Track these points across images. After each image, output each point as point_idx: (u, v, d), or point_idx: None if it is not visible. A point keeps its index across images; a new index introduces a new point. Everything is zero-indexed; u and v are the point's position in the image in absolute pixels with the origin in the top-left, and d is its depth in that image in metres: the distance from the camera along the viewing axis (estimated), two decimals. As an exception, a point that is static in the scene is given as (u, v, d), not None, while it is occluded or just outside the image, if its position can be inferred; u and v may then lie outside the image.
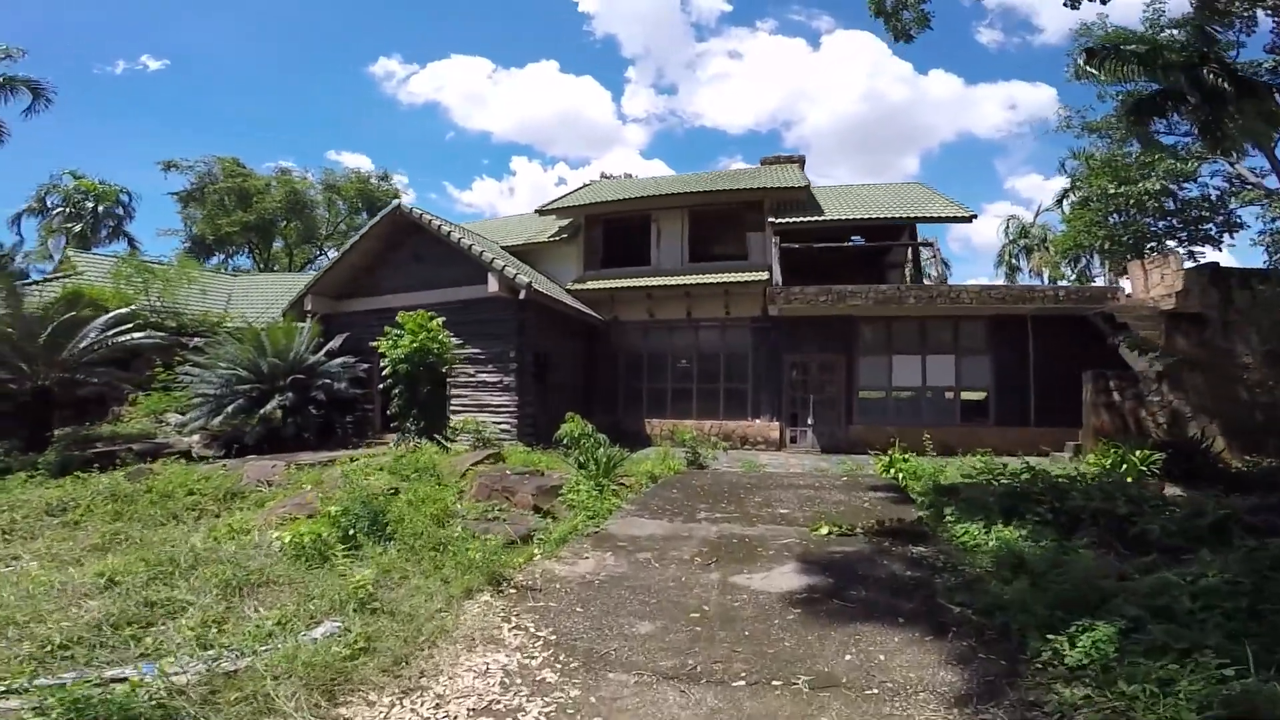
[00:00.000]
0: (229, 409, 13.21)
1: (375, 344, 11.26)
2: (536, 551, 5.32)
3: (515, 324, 13.05)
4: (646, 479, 9.68)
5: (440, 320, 9.79)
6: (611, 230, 17.19)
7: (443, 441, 9.52)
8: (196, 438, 13.31)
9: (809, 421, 15.31)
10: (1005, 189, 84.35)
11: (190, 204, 25.89)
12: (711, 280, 15.42)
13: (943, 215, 17.00)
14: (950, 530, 5.84)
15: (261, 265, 28.53)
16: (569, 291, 16.33)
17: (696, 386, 15.95)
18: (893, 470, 9.59)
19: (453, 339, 10.22)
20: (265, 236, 25.41)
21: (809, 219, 16.13)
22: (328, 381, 13.81)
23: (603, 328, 16.50)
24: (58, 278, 16.24)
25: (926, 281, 17.59)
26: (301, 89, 75.83)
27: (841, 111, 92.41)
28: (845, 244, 17.47)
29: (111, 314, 12.42)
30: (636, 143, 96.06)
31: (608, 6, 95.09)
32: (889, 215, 16.80)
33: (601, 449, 9.89)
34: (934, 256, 16.24)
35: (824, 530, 5.86)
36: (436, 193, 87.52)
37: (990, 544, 5.27)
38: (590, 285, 16.33)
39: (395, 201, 14.27)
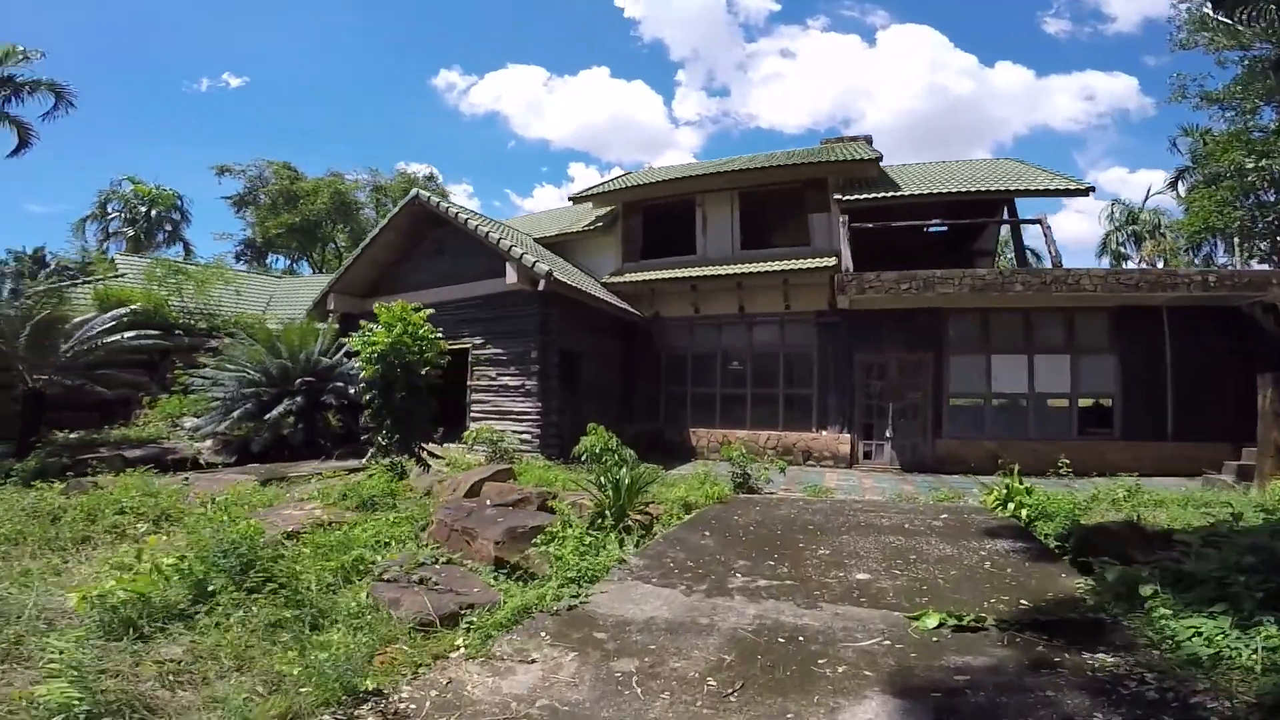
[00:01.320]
0: (235, 414, 12.23)
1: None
2: (460, 643, 3.43)
3: (537, 320, 11.32)
4: (678, 509, 7.66)
5: (426, 312, 8.13)
6: (652, 217, 15.25)
7: (426, 458, 7.84)
8: (209, 443, 12.46)
9: (886, 434, 12.80)
10: (1087, 181, 77.82)
11: (243, 208, 26.01)
12: (768, 269, 13.20)
13: (1051, 188, 14.05)
14: (1156, 623, 3.52)
15: (316, 268, 28.52)
16: (604, 285, 14.51)
17: (751, 392, 13.74)
18: (1011, 504, 7.13)
19: (438, 334, 8.54)
20: (310, 239, 25.20)
21: (884, 195, 13.61)
22: (340, 385, 12.59)
23: (642, 325, 14.57)
24: (91, 280, 15.94)
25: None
26: (371, 103, 78.78)
27: (903, 107, 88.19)
28: (928, 224, 14.84)
29: (108, 314, 11.59)
30: (690, 145, 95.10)
31: (653, 11, 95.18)
32: (983, 189, 13.99)
33: (624, 468, 7.95)
34: (1047, 235, 13.36)
35: (931, 621, 3.66)
36: (500, 200, 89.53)
37: (1257, 659, 2.99)
38: (628, 278, 14.45)
39: (414, 191, 12.88)
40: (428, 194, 12.77)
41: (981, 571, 4.93)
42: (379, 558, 4.59)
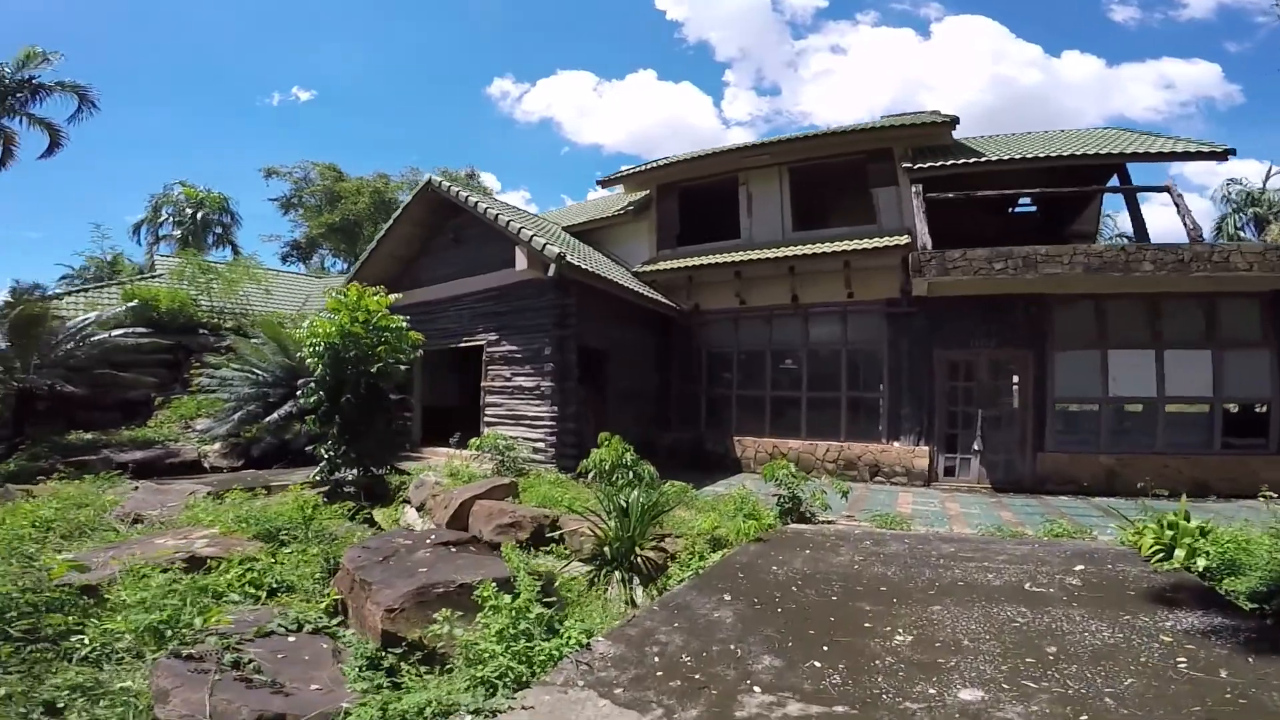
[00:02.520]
0: (237, 416, 11.41)
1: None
2: None
3: (551, 311, 9.82)
4: (704, 544, 5.92)
5: (392, 297, 6.72)
6: (689, 200, 13.51)
7: (387, 475, 6.41)
8: (217, 446, 11.75)
9: (974, 446, 10.55)
10: (1171, 173, 72.13)
11: (290, 210, 26.11)
12: (826, 250, 11.21)
13: (1177, 151, 11.42)
14: None
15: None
16: (637, 275, 12.88)
17: (807, 395, 11.75)
18: (1182, 549, 4.99)
19: (404, 324, 7.09)
20: (351, 238, 24.89)
21: (965, 161, 11.38)
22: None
23: (680, 320, 12.85)
24: (122, 281, 15.72)
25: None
26: (432, 114, 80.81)
27: (966, 100, 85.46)
28: (1023, 193, 12.45)
29: (105, 313, 10.95)
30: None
31: (696, 12, 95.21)
32: (1089, 153, 11.47)
33: (636, 489, 6.30)
34: (1179, 204, 10.76)
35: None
36: (556, 206, 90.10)
37: None
38: (662, 266, 12.76)
39: (427, 176, 11.72)
40: (440, 179, 11.56)
41: (1178, 681, 2.98)
42: (210, 620, 3.11)
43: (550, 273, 9.05)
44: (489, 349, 11.00)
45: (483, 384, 11.05)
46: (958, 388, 10.84)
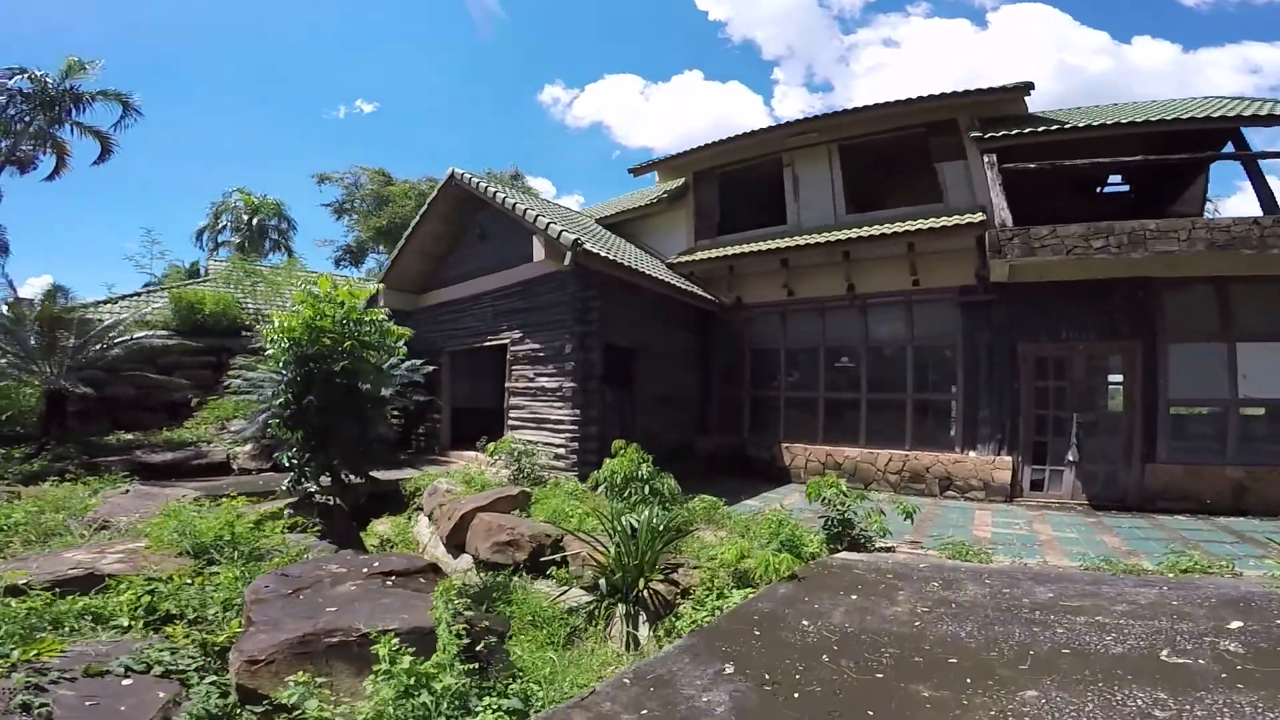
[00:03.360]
0: (261, 418, 11.21)
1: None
2: None
3: (574, 306, 8.99)
4: (725, 579, 4.88)
5: (372, 287, 6.04)
6: (730, 186, 12.39)
7: (355, 479, 5.70)
8: (248, 447, 11.58)
9: (1068, 457, 8.97)
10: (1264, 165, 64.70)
11: (343, 214, 26.63)
12: (886, 231, 9.88)
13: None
14: None
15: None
16: (672, 267, 11.90)
17: (866, 397, 10.42)
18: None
19: (396, 327, 6.37)
20: (394, 241, 25.09)
21: (1047, 129, 9.78)
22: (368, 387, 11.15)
23: (721, 314, 11.76)
24: (172, 286, 16.07)
25: None
26: (488, 122, 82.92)
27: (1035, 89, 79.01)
28: (1119, 160, 10.65)
29: (125, 316, 10.97)
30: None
31: (739, 12, 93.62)
32: (1202, 116, 9.56)
33: (650, 507, 5.35)
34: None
35: None
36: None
37: None
38: (699, 256, 11.71)
39: (449, 170, 11.16)
40: (463, 172, 10.95)
41: None
42: (32, 652, 2.40)
43: (566, 262, 8.21)
44: (512, 348, 10.30)
45: (506, 385, 10.35)
46: (1047, 388, 9.28)
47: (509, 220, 10.06)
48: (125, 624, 3.05)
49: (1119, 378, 9.27)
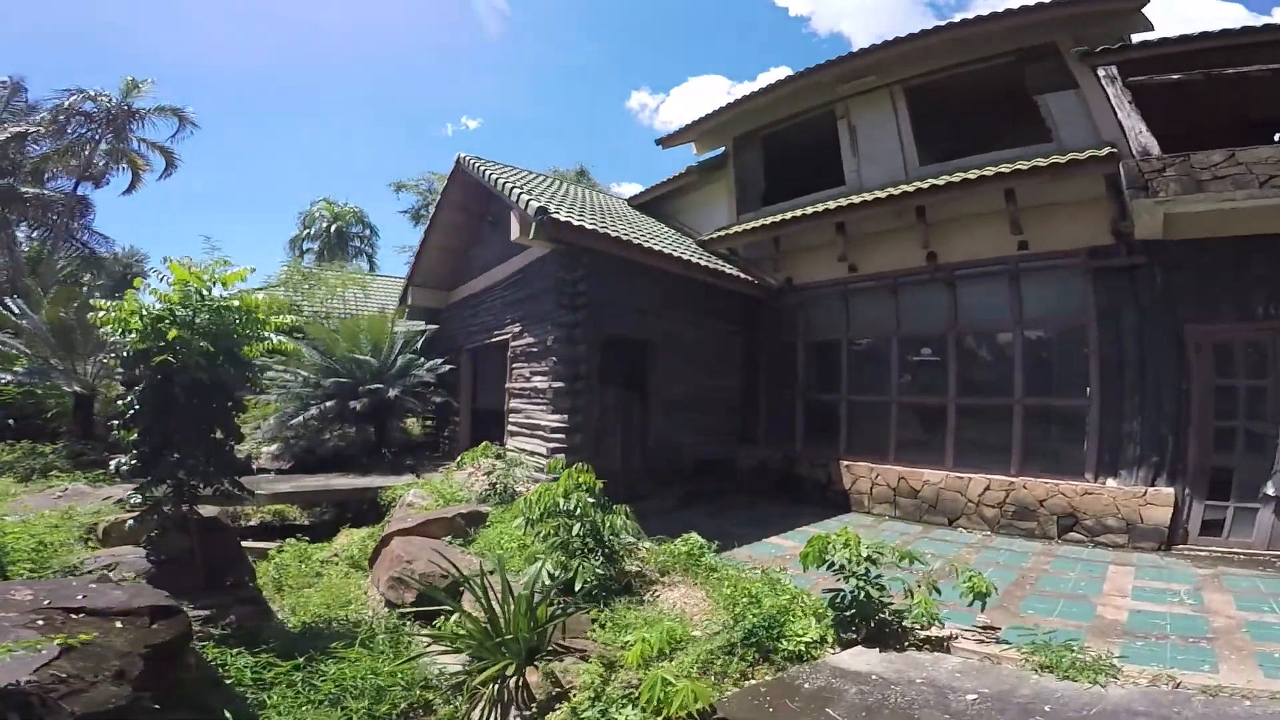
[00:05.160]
0: (278, 419, 10.98)
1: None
2: None
3: (559, 291, 7.47)
4: (618, 692, 3.08)
5: (244, 270, 4.83)
6: (776, 149, 10.21)
7: (210, 488, 4.54)
8: (274, 448, 11.51)
9: (1268, 490, 5.93)
10: None
11: (419, 220, 27.21)
12: (973, 175, 7.32)
13: None
14: None
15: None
16: (705, 245, 9.97)
17: (955, 402, 7.85)
18: None
19: (276, 317, 5.09)
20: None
21: (1189, 34, 6.68)
22: (380, 388, 10.53)
23: (768, 300, 9.64)
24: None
25: None
26: (580, 130, 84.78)
27: None
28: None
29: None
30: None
31: (819, 6, 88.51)
32: None
33: (545, 561, 3.74)
34: None
35: None
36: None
37: None
38: (737, 230, 9.64)
39: (456, 155, 10.17)
40: (468, 156, 9.84)
41: None
42: None
43: (531, 235, 6.72)
44: (513, 344, 8.99)
45: (506, 385, 9.06)
46: (1234, 388, 6.30)
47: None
48: None
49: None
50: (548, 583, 3.78)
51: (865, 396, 8.72)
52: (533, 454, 7.81)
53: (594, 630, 3.89)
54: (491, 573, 4.26)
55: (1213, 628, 4.20)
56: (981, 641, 3.81)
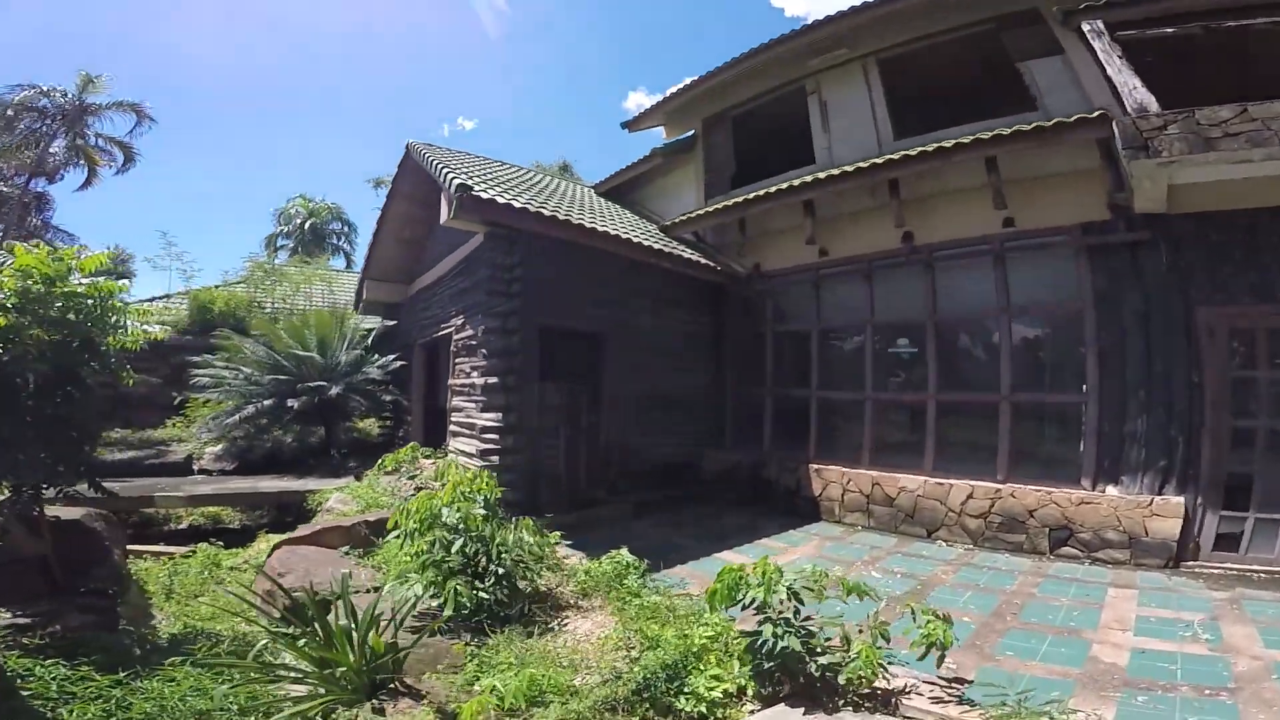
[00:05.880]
0: (218, 419, 10.28)
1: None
2: None
3: (492, 277, 6.70)
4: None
5: (102, 255, 4.11)
6: (745, 129, 9.45)
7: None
8: (219, 448, 10.86)
9: (1300, 499, 5.09)
10: None
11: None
12: (949, 144, 6.50)
13: None
14: None
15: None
16: (669, 230, 9.18)
17: (935, 398, 7.00)
18: None
19: (116, 302, 4.32)
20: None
21: None
22: (322, 385, 9.81)
23: (735, 288, 8.85)
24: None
25: None
26: (575, 131, 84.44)
27: None
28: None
29: None
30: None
31: (815, 6, 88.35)
32: None
33: (418, 580, 3.06)
34: None
35: None
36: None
37: None
38: (701, 212, 8.84)
39: (406, 142, 9.44)
40: (416, 143, 9.08)
41: None
42: None
43: (452, 214, 5.96)
44: (455, 336, 8.24)
45: (449, 382, 8.30)
46: (1255, 381, 5.47)
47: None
48: None
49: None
50: (417, 606, 3.03)
51: (837, 393, 7.89)
52: (470, 456, 7.03)
53: (446, 672, 3.11)
54: (374, 589, 3.52)
55: (1235, 673, 3.38)
56: (939, 701, 2.99)
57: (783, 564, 5.50)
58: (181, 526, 9.25)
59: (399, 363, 10.51)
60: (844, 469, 7.33)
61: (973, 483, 6.42)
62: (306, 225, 25.99)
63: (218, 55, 72.92)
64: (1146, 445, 5.67)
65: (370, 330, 11.20)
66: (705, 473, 8.60)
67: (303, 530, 5.25)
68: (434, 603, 3.78)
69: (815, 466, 7.57)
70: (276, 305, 14.51)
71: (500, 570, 3.93)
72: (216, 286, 13.93)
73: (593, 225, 6.92)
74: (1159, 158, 5.23)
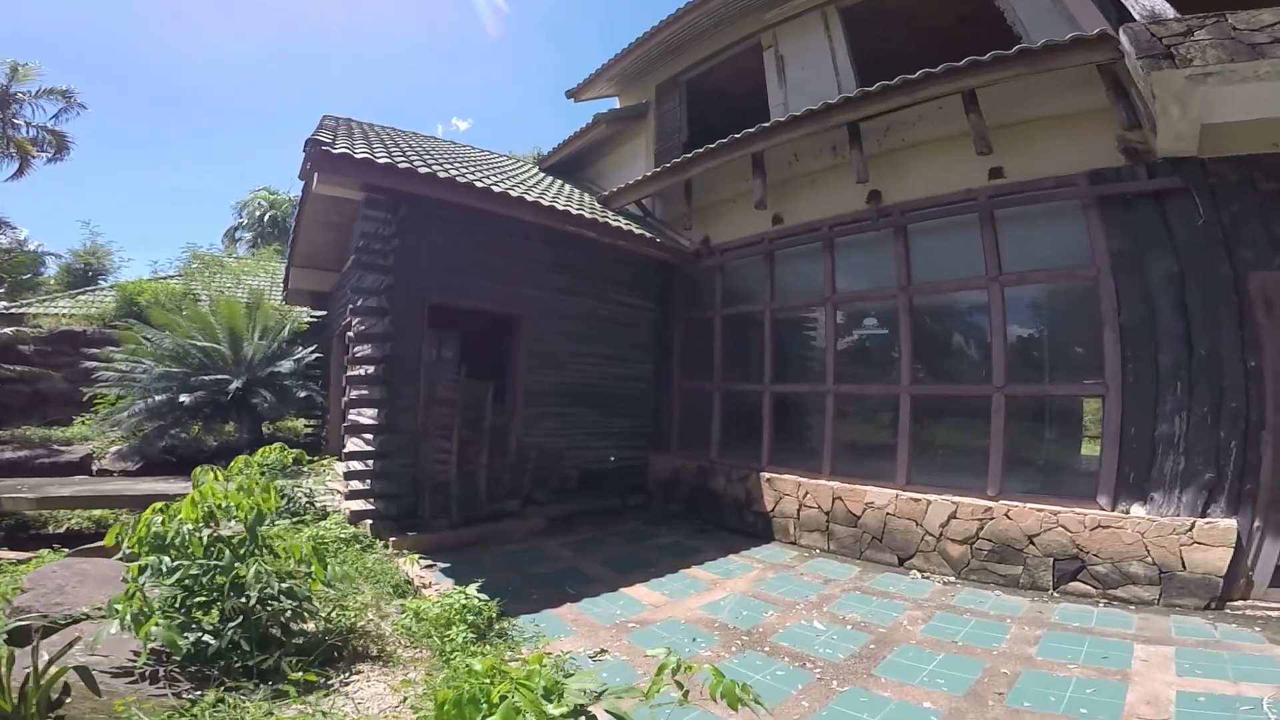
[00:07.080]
0: (124, 415, 9.27)
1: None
2: None
3: (369, 250, 5.58)
4: None
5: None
6: (699, 93, 8.32)
7: None
8: (120, 447, 9.99)
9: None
10: None
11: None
12: (917, 76, 5.22)
13: None
14: None
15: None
16: (607, 200, 7.97)
17: (909, 391, 5.67)
18: None
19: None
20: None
21: None
22: (222, 379, 8.75)
23: (683, 265, 7.58)
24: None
25: None
26: (566, 130, 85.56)
27: None
28: None
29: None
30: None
31: None
32: None
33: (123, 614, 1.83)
34: None
35: None
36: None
37: None
38: (641, 178, 7.58)
39: (322, 116, 8.41)
40: (334, 117, 8.03)
41: None
42: None
43: (303, 174, 4.88)
44: (355, 323, 7.07)
45: (346, 374, 7.13)
46: (1322, 361, 4.10)
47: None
48: None
49: None
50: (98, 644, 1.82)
51: (794, 386, 6.58)
52: (357, 458, 5.86)
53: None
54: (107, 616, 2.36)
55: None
56: None
57: (698, 605, 4.17)
58: (60, 530, 8.29)
59: (313, 355, 9.42)
60: (800, 479, 6.00)
61: (956, 498, 5.06)
62: (266, 217, 25.19)
63: (218, 55, 73.91)
64: (1186, 451, 4.29)
65: (312, 322, 10.18)
66: (651, 481, 7.32)
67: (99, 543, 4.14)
68: (154, 644, 2.61)
69: (768, 475, 6.24)
70: (213, 297, 13.66)
71: (245, 606, 2.73)
72: (147, 278, 13.08)
73: (486, 187, 5.71)
74: (1190, 67, 3.91)
